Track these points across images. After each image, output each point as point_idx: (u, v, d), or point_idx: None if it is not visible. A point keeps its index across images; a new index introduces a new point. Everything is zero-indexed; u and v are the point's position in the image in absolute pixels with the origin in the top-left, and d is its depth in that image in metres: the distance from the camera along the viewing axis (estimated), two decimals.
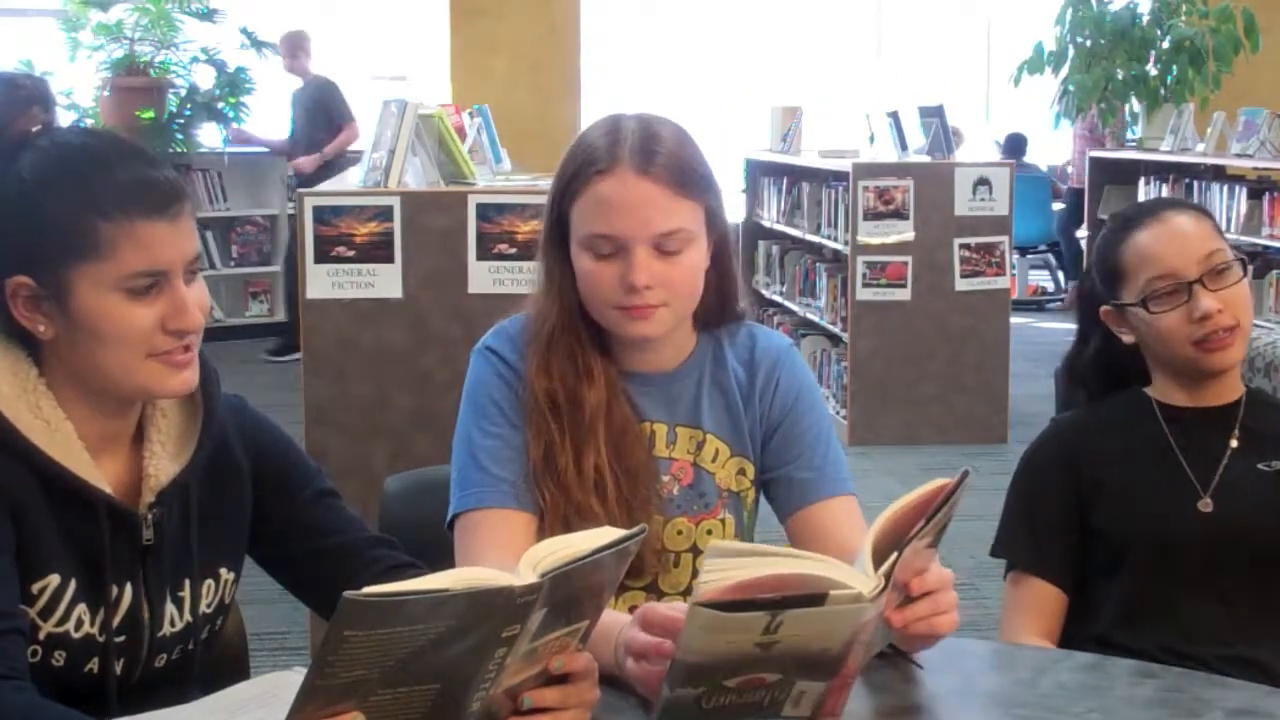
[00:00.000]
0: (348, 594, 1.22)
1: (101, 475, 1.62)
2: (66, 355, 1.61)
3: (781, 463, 1.98)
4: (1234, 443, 2.18)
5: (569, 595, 1.39)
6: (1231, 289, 2.13)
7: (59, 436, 1.60)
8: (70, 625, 1.60)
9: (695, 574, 1.93)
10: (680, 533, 1.96)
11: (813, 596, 1.39)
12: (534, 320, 1.95)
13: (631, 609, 1.87)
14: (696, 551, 1.95)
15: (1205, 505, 2.15)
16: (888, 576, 1.45)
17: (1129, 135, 9.53)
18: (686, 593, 1.94)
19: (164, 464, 1.66)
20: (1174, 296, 2.14)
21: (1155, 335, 2.18)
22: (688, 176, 1.87)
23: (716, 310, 2.00)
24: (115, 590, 1.63)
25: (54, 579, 1.59)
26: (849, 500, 1.97)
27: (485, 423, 1.93)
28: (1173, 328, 2.15)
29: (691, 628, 1.39)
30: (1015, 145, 11.15)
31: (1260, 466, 2.17)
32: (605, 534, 1.42)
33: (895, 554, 1.46)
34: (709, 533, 1.96)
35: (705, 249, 1.91)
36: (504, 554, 1.77)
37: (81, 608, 1.61)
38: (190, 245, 1.61)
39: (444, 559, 1.96)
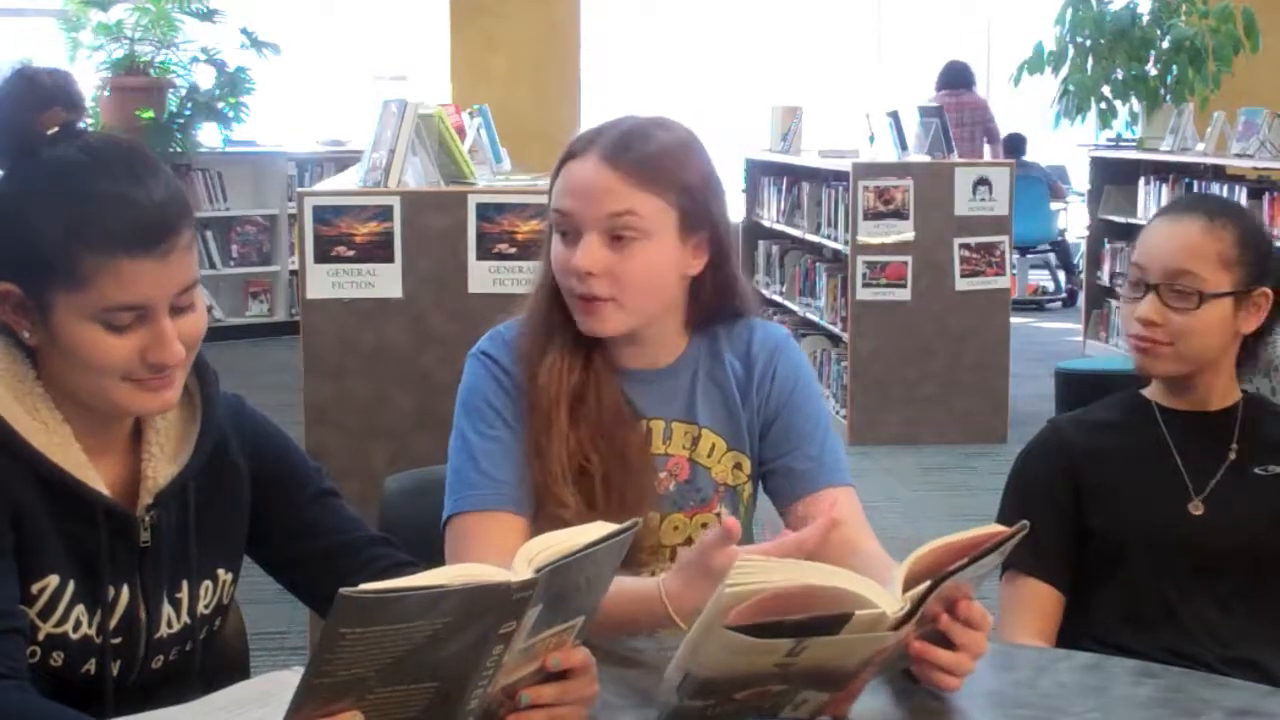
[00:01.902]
0: (343, 591, 1.22)
1: (99, 477, 1.62)
2: (50, 364, 1.60)
3: (779, 453, 1.98)
4: (1233, 447, 2.18)
5: (564, 590, 1.39)
6: (1180, 313, 2.11)
7: (57, 439, 1.59)
8: (69, 626, 1.60)
9: None
10: (676, 528, 1.96)
11: (838, 617, 1.39)
12: (532, 312, 1.97)
13: None
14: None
15: (1196, 509, 2.15)
16: (915, 603, 1.45)
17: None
18: None
19: (162, 465, 1.66)
20: (1134, 288, 2.16)
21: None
22: (656, 173, 1.87)
23: (713, 310, 2.00)
24: (112, 592, 1.63)
25: (53, 580, 1.58)
26: (847, 491, 1.97)
27: (482, 425, 1.93)
28: (1123, 314, 2.20)
29: (713, 645, 1.39)
30: (1014, 145, 11.14)
31: (1258, 471, 2.17)
32: (599, 528, 1.43)
33: (929, 583, 1.46)
34: (704, 527, 1.96)
35: (673, 252, 1.90)
36: (498, 557, 1.74)
37: (80, 609, 1.60)
38: (181, 278, 1.57)
39: (444, 559, 1.96)
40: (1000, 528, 1.52)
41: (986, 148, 10.18)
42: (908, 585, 1.46)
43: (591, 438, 1.91)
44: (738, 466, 2.00)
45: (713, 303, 1.99)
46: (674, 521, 1.96)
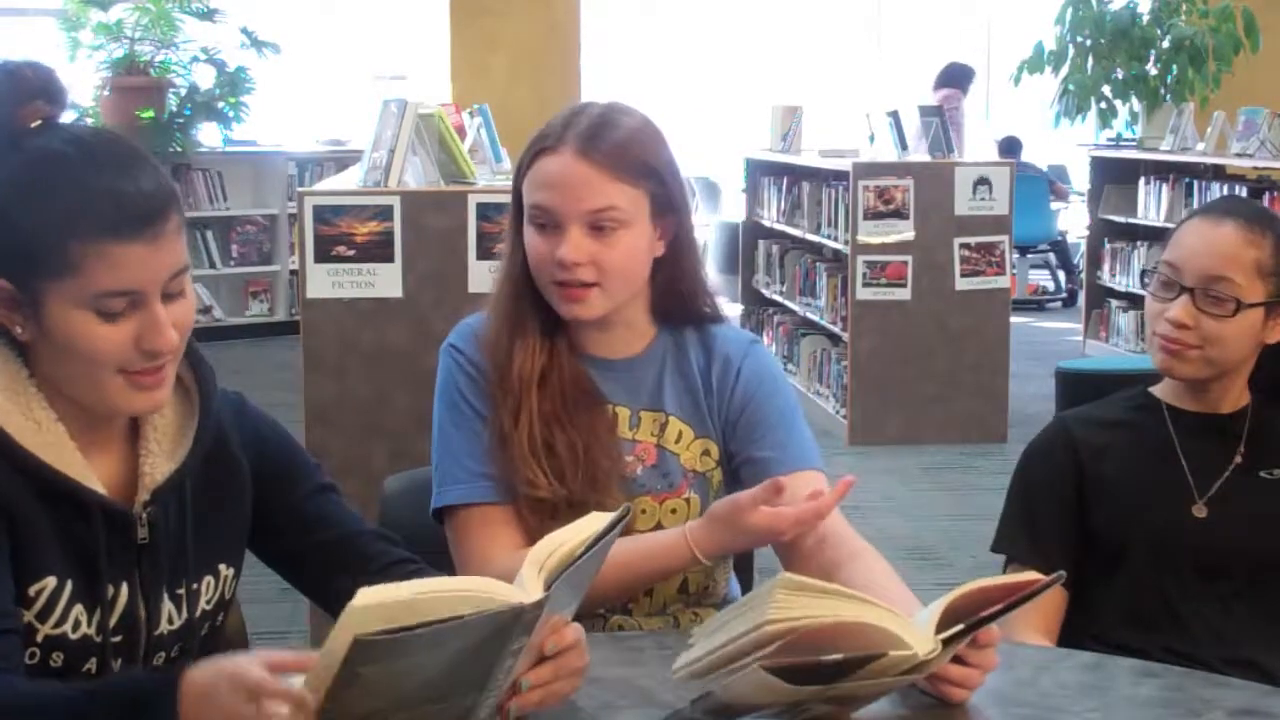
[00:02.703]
0: (359, 636, 1.21)
1: (94, 475, 1.61)
2: (44, 360, 1.59)
3: (747, 443, 2.02)
4: (1240, 451, 2.18)
5: (569, 589, 1.41)
6: (1214, 319, 2.10)
7: (50, 438, 1.58)
8: (68, 627, 1.59)
9: None
10: (644, 511, 1.99)
11: (870, 657, 1.40)
12: (501, 301, 2.02)
13: None
14: (662, 530, 1.98)
15: (1199, 511, 2.15)
16: (946, 643, 1.47)
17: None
18: None
19: (159, 462, 1.65)
20: (1166, 287, 2.15)
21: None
22: (630, 162, 1.93)
23: (675, 303, 2.05)
24: (111, 590, 1.62)
25: (50, 581, 1.58)
26: (814, 475, 1.99)
27: (459, 418, 1.99)
28: (1150, 312, 2.18)
29: (747, 681, 1.39)
30: (1010, 148, 11.14)
31: (1263, 475, 2.17)
32: (595, 520, 1.44)
33: (962, 626, 1.48)
34: (673, 512, 2.00)
35: (647, 236, 1.97)
36: (503, 549, 1.90)
37: (79, 609, 1.60)
38: (172, 262, 1.56)
39: (443, 557, 1.97)
40: (1037, 575, 1.54)
41: None
42: (941, 624, 1.47)
43: (556, 415, 1.96)
44: (706, 453, 2.04)
45: (674, 289, 2.03)
46: (641, 504, 1.99)
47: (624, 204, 1.93)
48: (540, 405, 1.96)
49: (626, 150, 1.93)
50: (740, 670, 1.40)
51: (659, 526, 1.98)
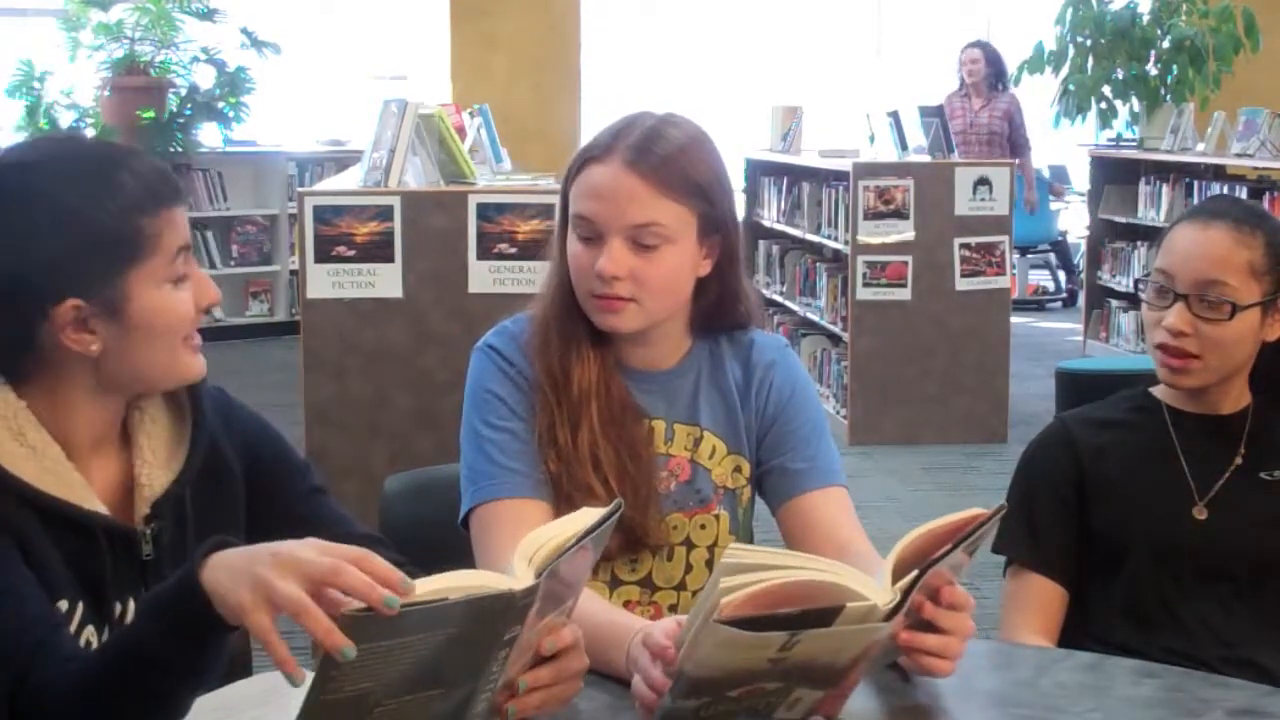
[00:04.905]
0: (344, 612, 1.21)
1: (95, 494, 1.59)
2: (115, 362, 1.58)
3: (775, 454, 2.01)
4: (1241, 452, 2.17)
5: (561, 582, 1.41)
6: (1211, 324, 2.09)
7: (48, 463, 1.57)
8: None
9: (689, 568, 1.96)
10: (675, 528, 1.98)
11: (829, 610, 1.39)
12: (551, 309, 1.99)
13: (625, 604, 1.90)
14: (690, 545, 1.98)
15: (1200, 513, 2.15)
16: (904, 593, 1.45)
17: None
18: (679, 587, 1.98)
19: (155, 472, 1.64)
20: (1160, 295, 2.13)
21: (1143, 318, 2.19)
22: (679, 179, 1.89)
23: (715, 317, 2.03)
24: (119, 608, 1.61)
25: (62, 605, 1.56)
26: (840, 491, 2.00)
27: (491, 416, 1.95)
28: (1147, 321, 2.16)
29: (706, 644, 1.39)
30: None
31: (1263, 476, 2.16)
32: (586, 515, 1.44)
33: (916, 572, 1.46)
34: (703, 528, 1.99)
35: (692, 255, 1.94)
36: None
37: (90, 630, 1.58)
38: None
39: (443, 559, 1.96)
40: (981, 510, 1.51)
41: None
42: (895, 576, 1.47)
43: (604, 430, 1.94)
44: (737, 470, 2.01)
45: (717, 305, 2.01)
46: (673, 521, 1.97)
47: (669, 221, 1.89)
48: (599, 418, 1.94)
49: (676, 165, 1.89)
50: (699, 635, 1.39)
51: (688, 541, 1.98)
